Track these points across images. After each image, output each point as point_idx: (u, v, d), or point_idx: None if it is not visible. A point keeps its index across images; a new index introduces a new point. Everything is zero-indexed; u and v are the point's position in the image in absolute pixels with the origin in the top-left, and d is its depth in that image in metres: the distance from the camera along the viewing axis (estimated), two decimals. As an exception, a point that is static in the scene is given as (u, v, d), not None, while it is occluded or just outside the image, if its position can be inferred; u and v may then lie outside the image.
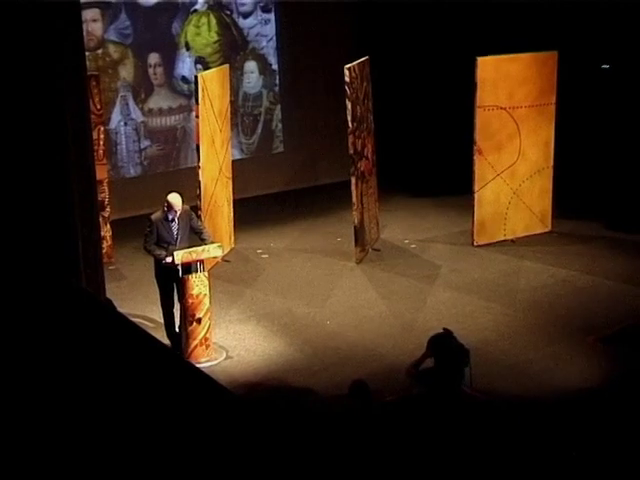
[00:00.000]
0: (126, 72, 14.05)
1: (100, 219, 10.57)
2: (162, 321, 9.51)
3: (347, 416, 6.24)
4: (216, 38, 14.68)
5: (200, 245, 9.29)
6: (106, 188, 11.80)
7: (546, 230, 12.82)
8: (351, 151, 11.48)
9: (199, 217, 11.01)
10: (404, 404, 6.42)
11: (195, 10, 14.44)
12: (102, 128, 11.95)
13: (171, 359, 3.68)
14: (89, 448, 3.03)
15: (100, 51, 13.76)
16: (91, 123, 9.33)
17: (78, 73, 7.44)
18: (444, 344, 6.22)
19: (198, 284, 9.11)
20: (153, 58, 14.25)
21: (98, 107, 11.71)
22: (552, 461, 6.39)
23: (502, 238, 12.49)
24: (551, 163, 12.65)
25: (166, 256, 9.11)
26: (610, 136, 13.18)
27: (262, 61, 15.23)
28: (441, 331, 6.43)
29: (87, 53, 12.70)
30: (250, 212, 13.54)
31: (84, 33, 12.48)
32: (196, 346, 9.15)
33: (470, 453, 5.80)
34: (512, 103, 12.13)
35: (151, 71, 14.28)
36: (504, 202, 12.45)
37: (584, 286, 10.88)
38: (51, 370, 3.46)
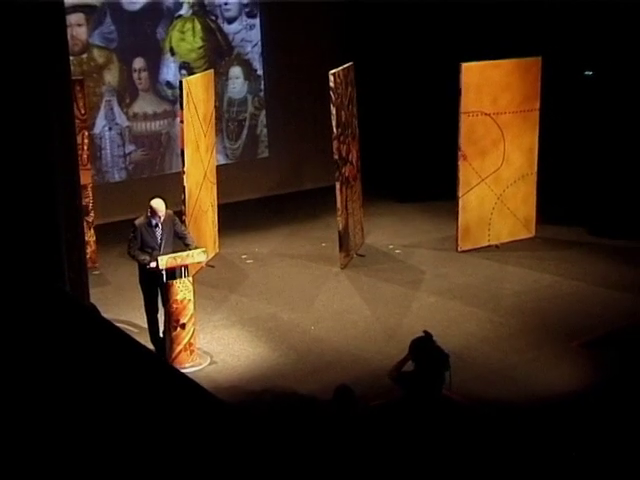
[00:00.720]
0: (111, 77, 14.03)
1: (84, 224, 10.56)
2: (146, 326, 9.49)
3: (331, 421, 6.24)
4: (201, 43, 14.68)
5: (184, 250, 9.27)
6: (90, 193, 11.78)
7: (530, 235, 12.87)
8: (336, 156, 11.50)
9: (183, 222, 11.01)
10: (386, 409, 6.43)
11: (180, 15, 14.44)
12: (86, 133, 11.93)
13: (155, 364, 3.68)
14: (71, 451, 3.03)
15: (85, 55, 13.74)
16: (75, 128, 9.33)
17: (62, 78, 7.43)
18: (423, 347, 6.22)
19: (182, 289, 9.10)
20: (138, 63, 14.24)
21: (82, 112, 11.68)
22: (533, 465, 6.41)
23: (486, 243, 12.53)
24: (535, 169, 12.71)
25: (150, 261, 9.09)
26: (593, 142, 13.23)
27: (247, 66, 15.24)
28: (422, 334, 6.43)
29: (72, 57, 12.68)
30: (235, 217, 13.53)
31: (69, 37, 12.50)
32: (180, 351, 9.13)
33: (449, 457, 5.81)
34: (496, 109, 12.17)
35: (136, 76, 14.27)
36: (488, 208, 12.49)
37: (568, 291, 10.92)
38: (34, 374, 3.46)
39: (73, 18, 13.37)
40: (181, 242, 9.47)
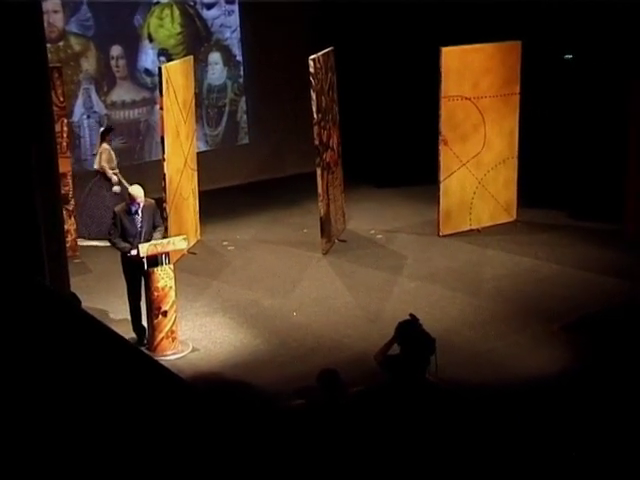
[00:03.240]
0: (88, 64, 13.93)
1: (64, 212, 10.50)
2: (128, 314, 9.46)
3: (316, 407, 6.23)
4: (179, 30, 14.60)
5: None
6: (70, 181, 11.72)
7: (511, 219, 12.91)
8: (316, 142, 11.47)
9: (164, 209, 10.98)
10: (369, 394, 6.43)
11: (158, 2, 14.34)
12: (65, 121, 11.85)
13: (132, 354, 3.67)
14: (48, 441, 3.02)
15: (62, 43, 13.63)
16: (54, 116, 9.25)
17: (39, 65, 7.36)
18: (409, 330, 6.22)
19: (164, 277, 9.07)
20: (115, 50, 14.14)
21: (61, 99, 11.61)
22: (514, 449, 6.43)
23: (467, 228, 12.56)
24: (516, 153, 12.73)
25: (131, 249, 9.06)
26: (573, 125, 13.27)
27: (226, 52, 15.17)
28: (408, 317, 6.43)
29: (48, 45, 12.59)
30: (216, 204, 13.48)
31: (45, 24, 12.39)
32: (162, 339, 9.12)
33: (432, 441, 5.82)
34: (476, 93, 12.18)
35: (113, 63, 14.17)
36: (469, 192, 12.51)
37: (548, 274, 10.96)
38: (10, 368, 3.43)
39: (49, 5, 13.26)
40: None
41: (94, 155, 12.81)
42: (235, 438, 3.04)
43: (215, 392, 7.66)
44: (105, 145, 12.42)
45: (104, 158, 12.32)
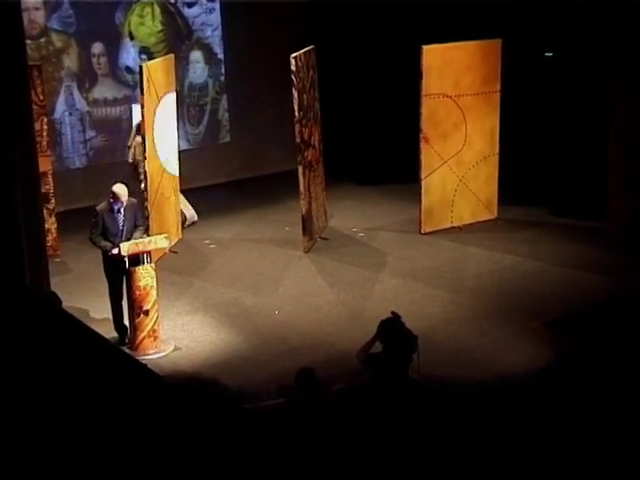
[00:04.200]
0: (70, 61, 13.88)
1: (44, 211, 10.46)
2: (110, 313, 9.43)
3: (293, 405, 6.24)
4: (160, 28, 14.56)
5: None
6: (50, 180, 11.67)
7: (492, 217, 12.95)
8: (298, 140, 11.47)
9: (146, 208, 10.95)
10: (351, 392, 6.44)
11: (138, 0, 14.29)
12: (45, 119, 11.78)
13: (111, 353, 3.66)
14: (26, 439, 3.01)
15: (43, 40, 13.56)
16: (33, 114, 9.22)
17: (18, 64, 7.33)
18: (392, 328, 6.23)
19: (145, 276, 9.05)
20: (97, 48, 14.09)
21: (41, 98, 11.55)
22: (497, 446, 6.45)
23: (449, 225, 12.59)
24: (496, 150, 12.77)
25: (112, 248, 9.04)
26: (554, 123, 13.32)
27: (208, 50, 15.14)
28: (390, 315, 6.44)
29: (30, 42, 12.59)
30: (197, 203, 13.45)
31: (26, 21, 12.35)
32: (144, 338, 9.10)
33: (414, 439, 5.84)
34: (457, 91, 12.20)
35: (95, 61, 14.12)
36: (450, 190, 12.54)
37: (530, 272, 11.01)
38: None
39: (31, 2, 13.21)
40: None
41: (128, 147, 12.68)
42: (212, 437, 3.04)
43: (193, 391, 7.64)
44: (139, 138, 12.09)
45: (138, 152, 12.17)
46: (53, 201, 11.73)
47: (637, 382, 7.79)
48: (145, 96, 11.08)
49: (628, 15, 11.70)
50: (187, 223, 12.89)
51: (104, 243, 9.14)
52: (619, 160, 11.97)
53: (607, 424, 7.05)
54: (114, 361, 3.46)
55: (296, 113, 11.36)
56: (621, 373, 8.04)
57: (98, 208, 9.30)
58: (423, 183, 12.24)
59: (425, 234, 12.35)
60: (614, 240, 11.74)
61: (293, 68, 11.21)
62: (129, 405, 3.14)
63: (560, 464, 6.41)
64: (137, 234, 9.31)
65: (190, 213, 13.04)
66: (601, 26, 12.28)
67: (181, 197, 12.71)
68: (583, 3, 12.46)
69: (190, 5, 14.82)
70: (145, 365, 3.64)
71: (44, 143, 11.59)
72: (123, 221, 9.22)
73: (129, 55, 14.34)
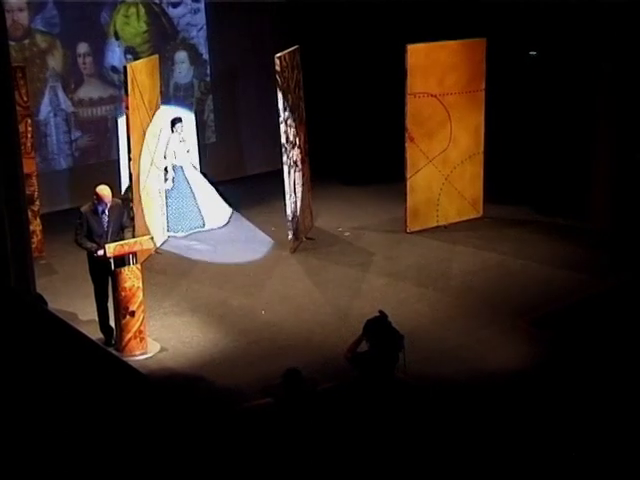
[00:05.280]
0: (55, 62, 13.82)
1: (29, 213, 10.43)
2: (96, 315, 9.41)
3: (279, 405, 6.25)
4: (145, 28, 14.53)
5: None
6: (35, 181, 11.63)
7: (478, 215, 12.97)
8: (283, 140, 11.47)
9: (131, 209, 10.93)
10: (339, 391, 6.45)
11: (123, 0, 14.26)
12: (29, 120, 11.74)
13: (97, 354, 3.66)
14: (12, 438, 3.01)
15: (27, 41, 13.50)
16: (17, 116, 9.18)
17: (1, 65, 7.31)
18: (378, 327, 6.24)
19: (131, 277, 9.03)
20: (82, 48, 14.04)
21: (25, 99, 11.52)
22: (484, 443, 6.48)
23: (435, 224, 12.61)
24: (482, 149, 12.80)
25: (97, 249, 9.01)
26: (538, 121, 13.35)
27: (193, 51, 15.11)
28: (377, 314, 6.45)
29: (13, 43, 12.54)
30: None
31: (10, 22, 12.31)
32: (130, 339, 9.08)
33: (401, 437, 5.85)
34: (442, 90, 12.22)
35: (80, 61, 14.07)
36: (436, 188, 12.56)
37: (515, 270, 11.04)
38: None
39: (14, 2, 13.15)
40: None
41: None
42: (199, 436, 3.05)
43: (179, 391, 7.65)
44: (172, 136, 12.54)
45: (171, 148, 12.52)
46: (38, 203, 11.70)
47: (621, 378, 7.83)
48: (130, 97, 11.06)
49: (612, 14, 11.74)
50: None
51: (89, 244, 9.12)
52: (603, 159, 12.01)
53: (593, 420, 7.08)
54: (100, 362, 3.46)
55: (281, 113, 11.35)
56: (605, 370, 8.08)
57: (82, 209, 9.29)
58: (408, 182, 12.26)
59: (411, 233, 12.37)
60: (598, 238, 11.79)
61: (277, 68, 11.20)
62: (116, 405, 3.14)
63: (546, 461, 6.43)
64: (127, 234, 9.32)
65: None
66: (585, 25, 12.32)
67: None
68: (567, 3, 12.50)
69: (175, 5, 14.79)
70: (131, 366, 3.64)
71: (28, 145, 11.55)
72: (107, 222, 9.20)
73: (115, 55, 14.30)
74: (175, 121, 12.68)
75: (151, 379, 3.55)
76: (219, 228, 12.88)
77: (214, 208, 12.99)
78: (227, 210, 13.27)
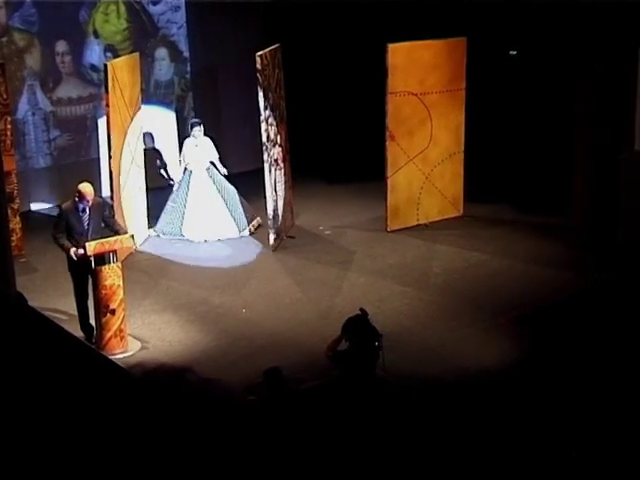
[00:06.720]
0: (33, 60, 13.74)
1: (9, 211, 10.37)
2: (76, 313, 9.37)
3: (260, 404, 6.24)
4: (125, 25, 14.47)
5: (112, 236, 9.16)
6: (15, 179, 11.58)
7: (458, 214, 13.01)
8: (264, 139, 11.45)
9: (112, 207, 10.89)
10: (320, 389, 6.44)
11: (103, -3, 14.21)
12: (9, 118, 11.69)
13: (81, 351, 3.64)
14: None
15: (5, 39, 13.42)
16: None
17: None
18: (357, 325, 6.23)
19: (111, 275, 8.99)
20: (61, 46, 13.96)
21: (4, 97, 11.46)
22: (465, 444, 6.49)
23: (415, 223, 12.64)
24: (462, 148, 12.83)
25: (77, 247, 8.95)
26: (518, 120, 13.40)
27: (173, 48, 15.08)
28: (357, 312, 6.44)
29: (-9, 41, 12.44)
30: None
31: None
32: (110, 337, 9.04)
33: (381, 436, 5.85)
34: (423, 89, 12.24)
35: (59, 59, 14.00)
36: (417, 187, 12.58)
37: (496, 268, 11.07)
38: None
39: (-8, 1, 13.08)
40: (109, 229, 9.33)
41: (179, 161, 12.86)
42: (181, 433, 3.04)
43: (160, 389, 7.62)
44: (187, 140, 12.52)
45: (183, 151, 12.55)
46: (17, 201, 11.64)
47: (604, 375, 7.87)
48: (110, 94, 11.01)
49: (593, 13, 11.79)
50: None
51: (64, 242, 9.05)
52: (584, 157, 12.06)
53: (577, 417, 7.11)
54: (84, 359, 3.44)
55: (262, 111, 11.34)
56: (588, 367, 8.12)
57: (63, 206, 9.26)
58: (389, 181, 12.27)
59: (392, 232, 12.38)
60: (579, 237, 11.84)
61: (258, 66, 11.18)
62: (99, 401, 3.12)
63: (529, 458, 6.45)
64: (116, 227, 9.30)
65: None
66: (565, 24, 12.37)
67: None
68: (547, 2, 12.56)
69: (155, 3, 14.74)
70: (115, 362, 3.62)
71: (8, 142, 11.50)
72: (88, 220, 9.14)
73: (94, 53, 14.24)
74: (193, 125, 12.56)
75: (132, 377, 3.53)
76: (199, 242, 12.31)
77: (210, 221, 12.35)
78: (231, 228, 12.49)
